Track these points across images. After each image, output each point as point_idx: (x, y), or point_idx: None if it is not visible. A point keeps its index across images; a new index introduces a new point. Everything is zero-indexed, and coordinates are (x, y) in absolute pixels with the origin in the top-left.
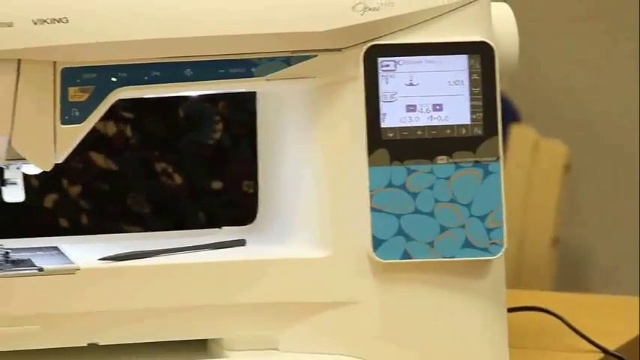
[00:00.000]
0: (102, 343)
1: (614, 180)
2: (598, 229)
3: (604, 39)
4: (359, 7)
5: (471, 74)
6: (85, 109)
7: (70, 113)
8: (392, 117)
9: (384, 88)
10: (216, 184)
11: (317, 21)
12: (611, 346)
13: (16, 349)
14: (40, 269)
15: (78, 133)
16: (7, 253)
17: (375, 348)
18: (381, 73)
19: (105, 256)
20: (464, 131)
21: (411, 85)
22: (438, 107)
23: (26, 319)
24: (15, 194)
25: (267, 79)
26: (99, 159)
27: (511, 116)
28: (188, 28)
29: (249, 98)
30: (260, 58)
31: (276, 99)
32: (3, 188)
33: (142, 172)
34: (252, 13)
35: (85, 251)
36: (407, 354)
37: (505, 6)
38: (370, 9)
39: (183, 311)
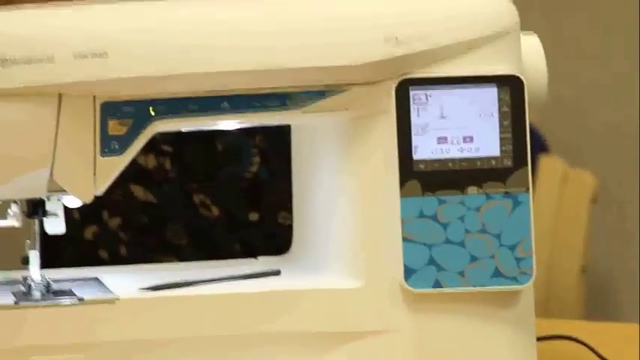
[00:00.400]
0: None
1: None
2: (627, 257)
3: (631, 68)
4: (391, 41)
5: (500, 106)
6: (124, 142)
7: (109, 146)
8: (423, 149)
9: (415, 120)
10: (253, 216)
11: (350, 55)
12: None
13: None
14: (81, 299)
15: (117, 165)
16: (49, 283)
17: None
18: (412, 106)
19: (144, 286)
20: (494, 163)
21: (442, 117)
22: (468, 139)
23: (69, 348)
24: (56, 226)
25: (302, 112)
26: (138, 191)
27: (540, 147)
28: (224, 62)
29: (286, 131)
30: (295, 92)
31: (310, 131)
32: (44, 220)
33: (180, 204)
34: (287, 48)
35: (124, 281)
36: None
37: (535, 38)
38: (402, 42)
39: (220, 340)
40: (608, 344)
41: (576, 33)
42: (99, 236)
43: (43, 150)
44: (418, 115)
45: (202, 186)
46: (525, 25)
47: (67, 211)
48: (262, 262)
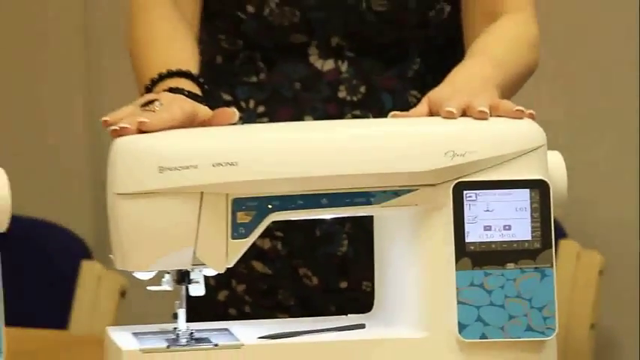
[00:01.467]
0: None
1: None
2: (632, 316)
3: (630, 165)
4: (449, 154)
5: (531, 203)
6: (249, 228)
7: (238, 231)
8: (473, 234)
9: (467, 213)
10: (343, 284)
11: (418, 164)
12: None
13: None
14: (216, 345)
15: (243, 245)
16: (192, 333)
17: None
18: (465, 202)
19: (263, 335)
20: (526, 245)
21: (488, 210)
22: (507, 227)
23: None
24: (198, 290)
25: (381, 207)
26: (258, 265)
27: (560, 233)
28: (324, 169)
29: (369, 220)
30: (376, 191)
31: (388, 220)
32: (189, 286)
33: (289, 275)
34: (372, 158)
35: (248, 332)
36: None
37: (558, 154)
38: (458, 155)
39: None
40: None
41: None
42: (229, 298)
43: (189, 234)
44: (469, 209)
45: (305, 262)
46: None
47: (206, 278)
48: (351, 319)
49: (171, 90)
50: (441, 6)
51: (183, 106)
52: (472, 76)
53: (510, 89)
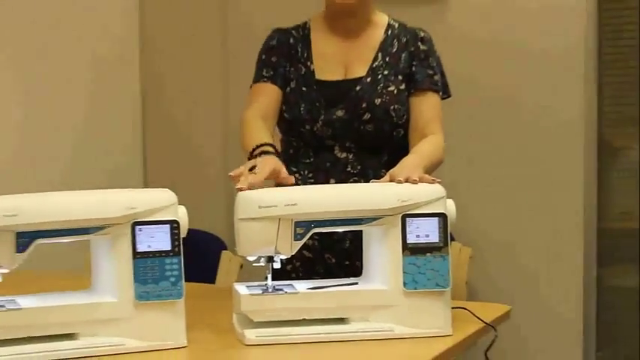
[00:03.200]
0: None
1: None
2: (484, 278)
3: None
4: (399, 200)
5: (439, 224)
6: (302, 235)
7: (296, 237)
8: (410, 238)
9: (408, 228)
10: (348, 262)
11: (385, 204)
12: None
13: None
14: (285, 292)
15: (299, 244)
16: (274, 286)
17: None
18: (407, 223)
19: (309, 287)
20: (436, 244)
21: (418, 227)
22: (427, 235)
23: None
24: (276, 265)
25: (367, 226)
26: (306, 253)
27: (452, 238)
28: (338, 206)
29: (360, 232)
30: (364, 218)
31: (370, 232)
32: (272, 263)
33: (320, 258)
34: (362, 201)
35: (301, 286)
36: None
37: (451, 200)
38: (403, 200)
39: None
40: None
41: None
42: (292, 269)
43: (273, 238)
44: (409, 227)
45: (329, 251)
46: None
47: (280, 260)
48: (350, 280)
49: (264, 153)
50: (399, 130)
51: (274, 163)
52: (411, 163)
53: (430, 170)
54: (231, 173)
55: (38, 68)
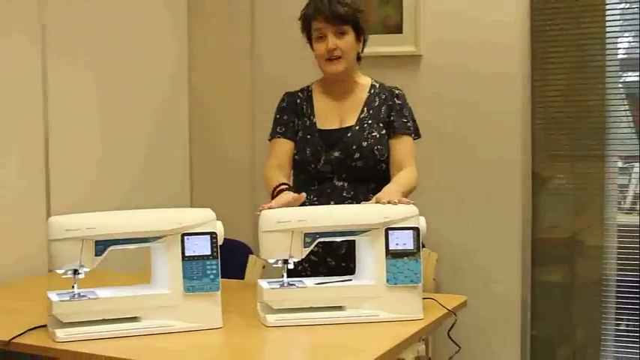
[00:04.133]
0: None
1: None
2: (449, 276)
3: None
4: (383, 217)
5: (413, 235)
6: (309, 244)
7: (305, 245)
8: (392, 245)
9: (390, 239)
10: (344, 264)
11: (372, 220)
12: None
13: None
14: (296, 286)
15: (307, 250)
16: (288, 282)
17: None
18: (389, 235)
19: (316, 282)
20: (411, 250)
21: (398, 238)
22: (404, 244)
23: None
24: (290, 266)
25: (358, 236)
26: (312, 256)
27: (423, 245)
28: (337, 222)
29: (354, 241)
30: (356, 230)
31: (361, 241)
32: (287, 264)
33: (323, 261)
34: (355, 218)
35: (309, 281)
36: None
37: (423, 217)
38: (386, 217)
39: None
40: None
41: None
42: (301, 269)
43: (287, 246)
44: (391, 237)
45: (329, 255)
46: None
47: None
48: (346, 277)
49: (282, 190)
50: (382, 165)
51: (289, 195)
52: (392, 189)
53: (406, 194)
54: (260, 207)
55: (116, 116)
